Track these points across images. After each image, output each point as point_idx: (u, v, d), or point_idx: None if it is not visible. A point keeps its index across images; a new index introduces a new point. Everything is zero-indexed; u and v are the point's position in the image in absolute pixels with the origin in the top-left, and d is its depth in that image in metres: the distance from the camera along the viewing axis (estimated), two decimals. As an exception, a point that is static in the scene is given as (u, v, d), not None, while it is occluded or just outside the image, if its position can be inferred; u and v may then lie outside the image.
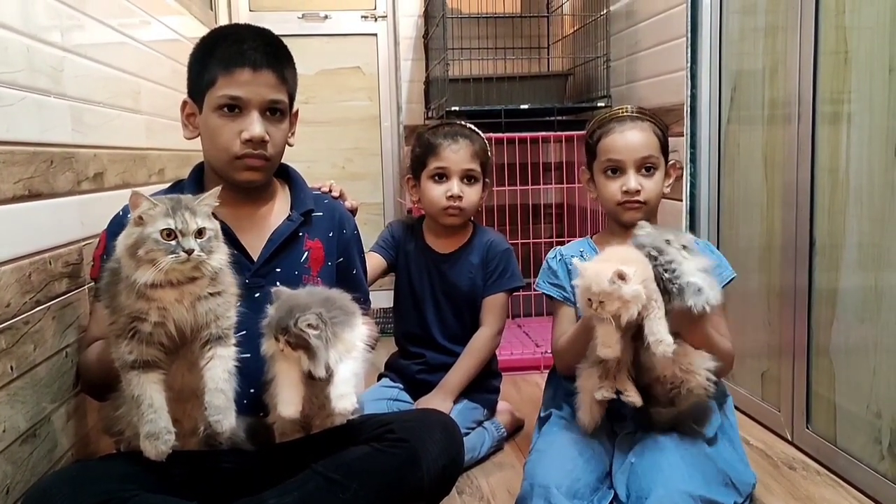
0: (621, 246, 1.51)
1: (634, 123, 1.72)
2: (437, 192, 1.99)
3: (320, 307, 1.28)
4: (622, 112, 1.76)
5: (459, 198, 1.98)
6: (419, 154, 2.04)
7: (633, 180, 1.68)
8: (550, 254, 1.83)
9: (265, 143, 1.44)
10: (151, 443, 1.18)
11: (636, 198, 1.68)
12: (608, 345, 1.44)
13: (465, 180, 1.99)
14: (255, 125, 1.42)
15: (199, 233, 1.19)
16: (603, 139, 1.73)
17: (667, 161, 1.75)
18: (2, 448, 1.25)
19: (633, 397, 1.51)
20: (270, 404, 1.38)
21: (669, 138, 1.79)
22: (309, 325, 1.25)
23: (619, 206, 1.71)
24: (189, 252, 1.16)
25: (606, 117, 1.76)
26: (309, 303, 1.28)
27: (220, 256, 1.23)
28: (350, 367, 1.31)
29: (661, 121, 1.78)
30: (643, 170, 1.70)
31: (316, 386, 1.33)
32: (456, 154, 1.98)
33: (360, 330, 1.35)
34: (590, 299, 1.41)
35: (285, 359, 1.30)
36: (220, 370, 1.23)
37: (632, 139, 1.70)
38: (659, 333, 1.40)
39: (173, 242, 1.16)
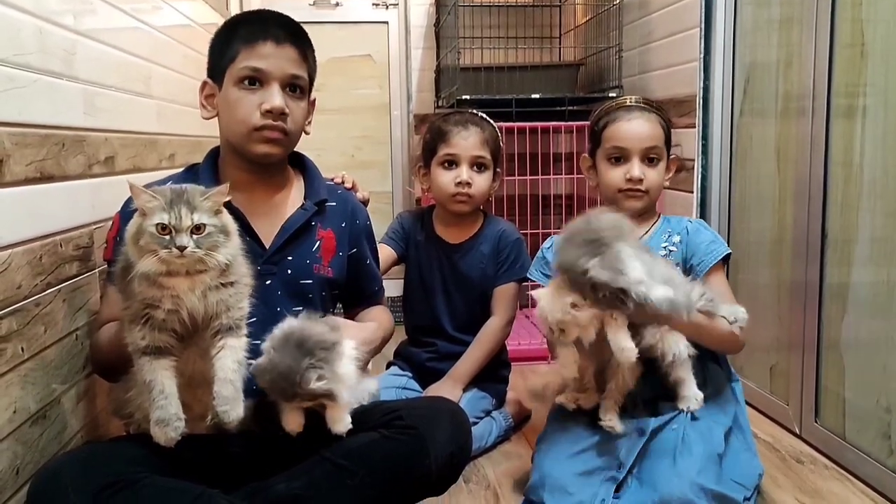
0: None
1: (641, 113, 1.72)
2: (446, 179, 1.99)
3: (305, 356, 1.26)
4: (629, 101, 1.76)
5: (468, 184, 1.97)
6: (429, 141, 2.04)
7: (637, 168, 1.69)
8: (546, 243, 1.85)
9: (284, 115, 1.44)
10: (161, 429, 1.19)
11: (638, 186, 1.70)
12: (565, 366, 1.51)
13: (474, 167, 1.99)
14: (275, 96, 1.43)
15: (197, 228, 1.17)
16: (609, 126, 1.73)
17: (669, 154, 1.76)
18: (12, 429, 1.26)
19: (612, 423, 1.53)
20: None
21: (675, 130, 1.80)
22: (316, 380, 1.25)
23: (621, 194, 1.72)
24: (181, 249, 1.15)
25: (613, 106, 1.77)
26: (293, 360, 1.26)
27: (229, 251, 1.22)
28: (345, 395, 1.32)
29: (666, 113, 1.78)
30: (647, 159, 1.71)
31: None
32: (466, 140, 1.98)
33: (346, 355, 1.34)
34: (550, 328, 1.46)
35: None
36: (229, 360, 1.23)
37: (638, 128, 1.71)
38: (620, 342, 1.43)
39: (167, 237, 1.16)
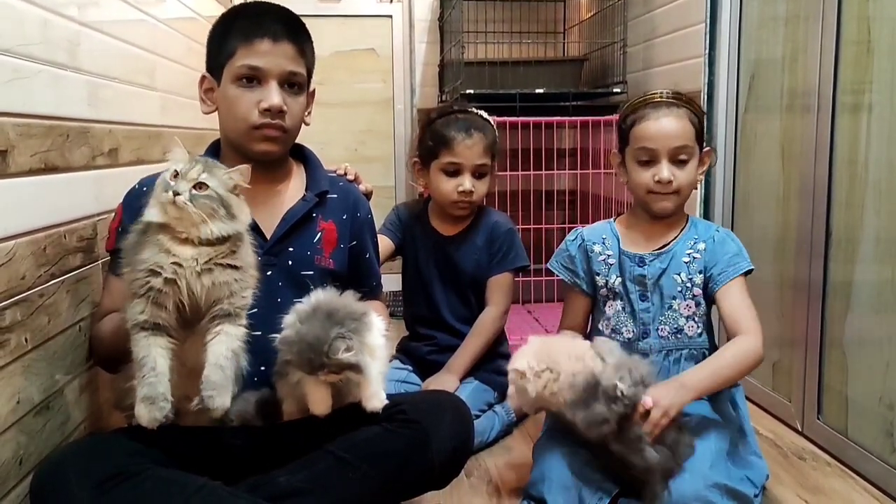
0: (548, 337, 1.58)
1: (670, 110, 1.63)
2: (448, 187, 2.00)
3: (334, 326, 1.25)
4: (658, 97, 1.66)
5: (471, 192, 1.99)
6: (430, 144, 2.02)
7: (665, 170, 1.61)
8: (571, 235, 1.79)
9: (283, 113, 1.44)
10: (146, 406, 1.16)
11: (668, 189, 1.62)
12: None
13: (476, 175, 2.00)
14: (273, 95, 1.43)
15: (200, 186, 1.20)
16: (636, 125, 1.65)
17: (701, 148, 1.67)
18: (15, 419, 1.26)
19: None
20: (282, 393, 1.39)
21: None
22: (344, 351, 1.23)
23: (650, 195, 1.64)
24: (175, 194, 1.17)
25: (641, 102, 1.68)
26: (322, 329, 1.24)
27: (226, 228, 1.22)
28: (376, 367, 1.32)
29: (698, 106, 1.69)
30: (677, 159, 1.62)
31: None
32: (470, 150, 1.98)
33: (377, 326, 1.33)
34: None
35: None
36: (223, 347, 1.22)
37: (666, 127, 1.62)
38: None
39: (173, 183, 1.19)
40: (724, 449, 1.49)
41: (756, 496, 1.50)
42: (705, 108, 2.37)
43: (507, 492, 1.67)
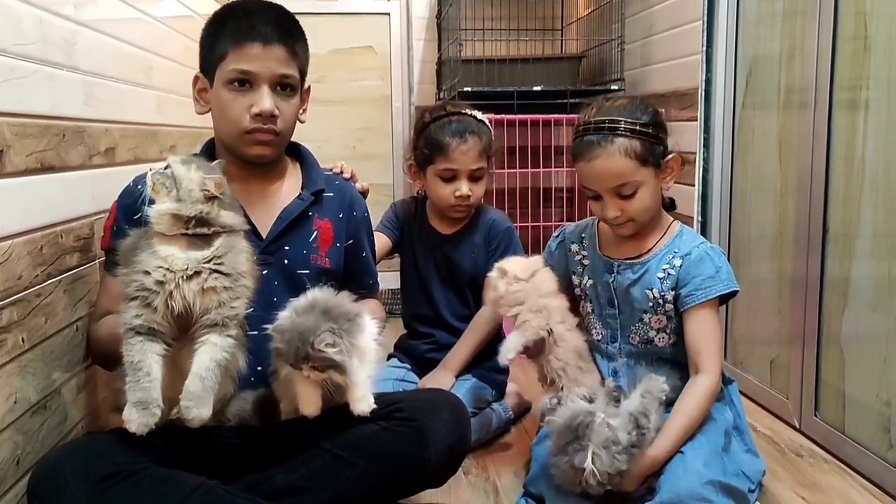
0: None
1: (602, 148, 1.51)
2: (445, 192, 1.99)
3: (328, 322, 1.25)
4: (592, 127, 1.54)
5: (468, 197, 1.98)
6: (426, 150, 2.01)
7: (610, 209, 1.55)
8: (556, 231, 1.82)
9: (275, 117, 1.43)
10: (139, 411, 1.16)
11: (619, 221, 1.57)
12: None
13: (472, 178, 1.99)
14: (264, 99, 1.42)
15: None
16: (576, 162, 1.58)
17: (659, 160, 1.55)
18: (13, 419, 1.26)
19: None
20: (278, 392, 1.39)
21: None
22: (328, 345, 1.23)
23: (608, 223, 1.61)
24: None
25: (580, 130, 1.57)
26: (316, 322, 1.25)
27: (195, 205, 1.23)
28: (365, 371, 1.31)
29: (645, 119, 1.53)
30: (620, 194, 1.54)
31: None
32: (465, 155, 1.97)
33: (369, 329, 1.34)
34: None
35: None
36: (206, 357, 1.22)
37: (599, 170, 1.52)
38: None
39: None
40: (718, 445, 1.49)
41: (752, 491, 1.50)
42: (703, 105, 2.37)
43: (504, 489, 1.67)
